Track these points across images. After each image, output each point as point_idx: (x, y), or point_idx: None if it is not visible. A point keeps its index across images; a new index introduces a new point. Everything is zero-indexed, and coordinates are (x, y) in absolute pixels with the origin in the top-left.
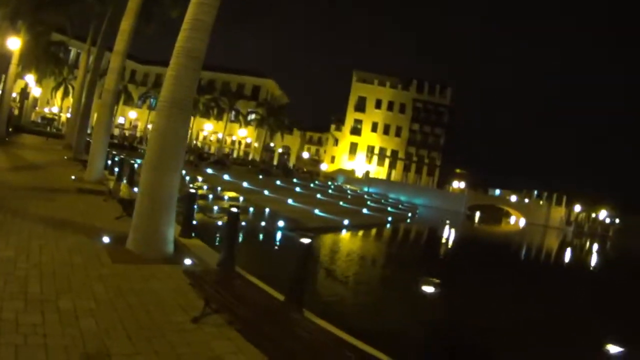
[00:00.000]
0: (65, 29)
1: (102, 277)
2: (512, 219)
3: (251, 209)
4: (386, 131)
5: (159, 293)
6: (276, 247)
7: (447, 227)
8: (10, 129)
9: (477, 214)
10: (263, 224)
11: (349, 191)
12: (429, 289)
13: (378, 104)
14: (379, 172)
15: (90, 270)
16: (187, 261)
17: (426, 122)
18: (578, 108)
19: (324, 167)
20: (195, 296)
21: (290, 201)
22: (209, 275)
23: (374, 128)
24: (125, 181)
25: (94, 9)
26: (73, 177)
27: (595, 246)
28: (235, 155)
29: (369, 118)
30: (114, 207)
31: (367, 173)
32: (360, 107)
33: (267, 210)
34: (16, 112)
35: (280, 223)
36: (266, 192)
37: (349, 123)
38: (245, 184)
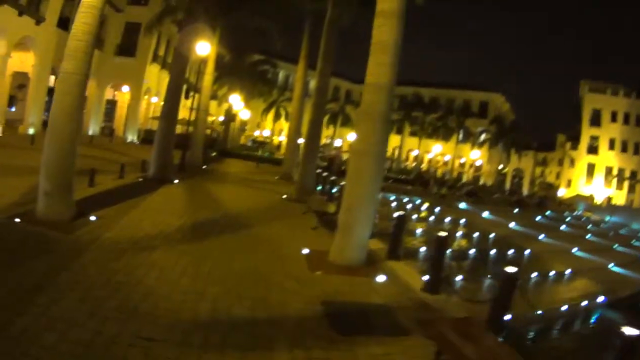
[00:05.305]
0: (271, 47)
1: None
2: None
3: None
4: (624, 148)
5: None
6: None
7: None
8: (213, 154)
9: None
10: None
11: (602, 225)
12: None
13: (614, 117)
14: (617, 196)
15: None
16: None
17: None
18: None
19: (561, 192)
20: None
21: (576, 251)
22: None
23: (611, 145)
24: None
25: (305, 4)
26: (306, 252)
27: None
28: (464, 179)
29: (606, 134)
30: None
31: (609, 199)
32: (595, 121)
33: (567, 272)
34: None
35: (600, 298)
36: (542, 238)
37: (584, 140)
38: (512, 225)
